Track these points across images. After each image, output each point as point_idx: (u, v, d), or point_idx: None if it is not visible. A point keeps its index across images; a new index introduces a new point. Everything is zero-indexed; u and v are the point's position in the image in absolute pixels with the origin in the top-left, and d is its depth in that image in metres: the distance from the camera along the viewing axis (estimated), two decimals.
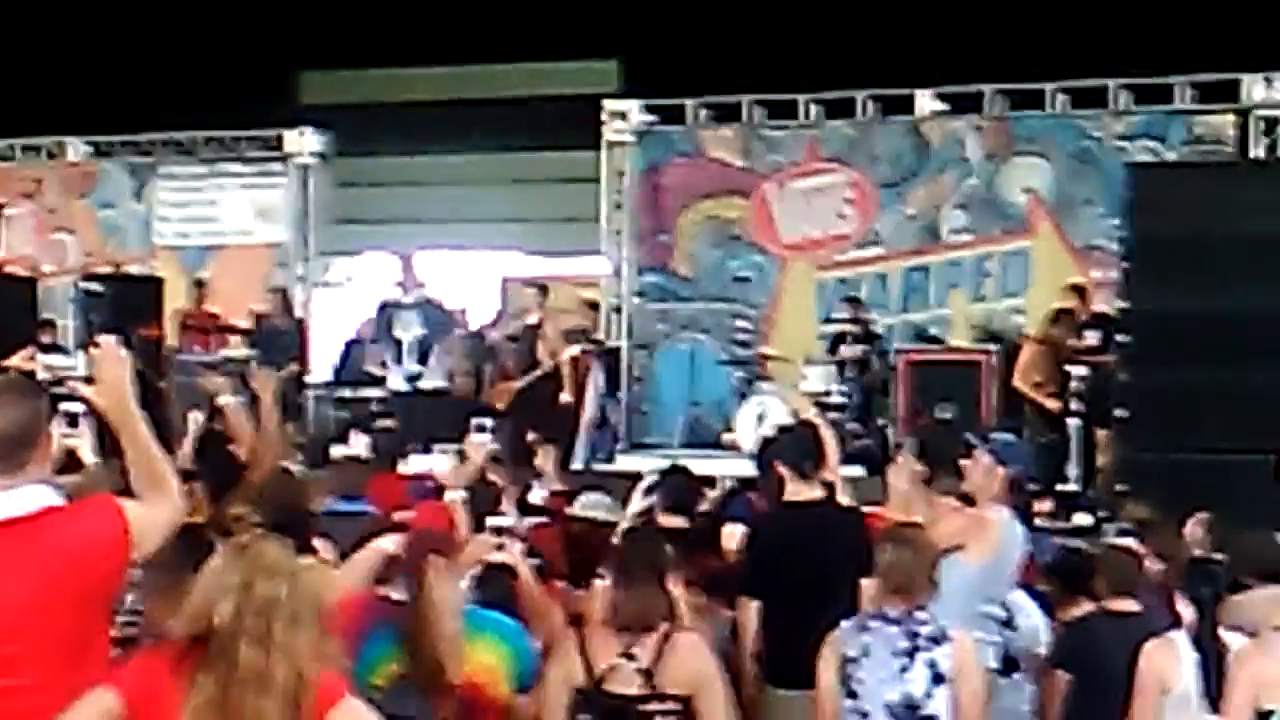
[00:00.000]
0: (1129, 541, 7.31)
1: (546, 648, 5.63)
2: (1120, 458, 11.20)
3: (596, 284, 17.23)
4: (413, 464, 11.55)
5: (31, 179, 19.42)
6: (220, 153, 18.58)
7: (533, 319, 14.14)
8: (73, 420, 5.43)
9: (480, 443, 6.95)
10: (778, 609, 6.75)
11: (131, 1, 17.05)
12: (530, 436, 13.36)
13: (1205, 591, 5.81)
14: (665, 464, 8.80)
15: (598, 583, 5.77)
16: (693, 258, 16.79)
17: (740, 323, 16.30)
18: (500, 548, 6.05)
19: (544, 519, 8.38)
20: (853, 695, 5.63)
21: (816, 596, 6.45)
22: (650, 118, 16.84)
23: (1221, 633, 5.69)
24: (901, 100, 15.96)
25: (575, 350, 14.37)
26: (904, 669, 5.60)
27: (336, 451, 11.08)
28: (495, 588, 5.89)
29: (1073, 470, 13.00)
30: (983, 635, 6.51)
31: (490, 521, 6.28)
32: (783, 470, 7.10)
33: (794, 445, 7.24)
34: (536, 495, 9.59)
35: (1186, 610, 5.93)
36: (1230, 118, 15.03)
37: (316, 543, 6.04)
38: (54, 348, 13.48)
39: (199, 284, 16.89)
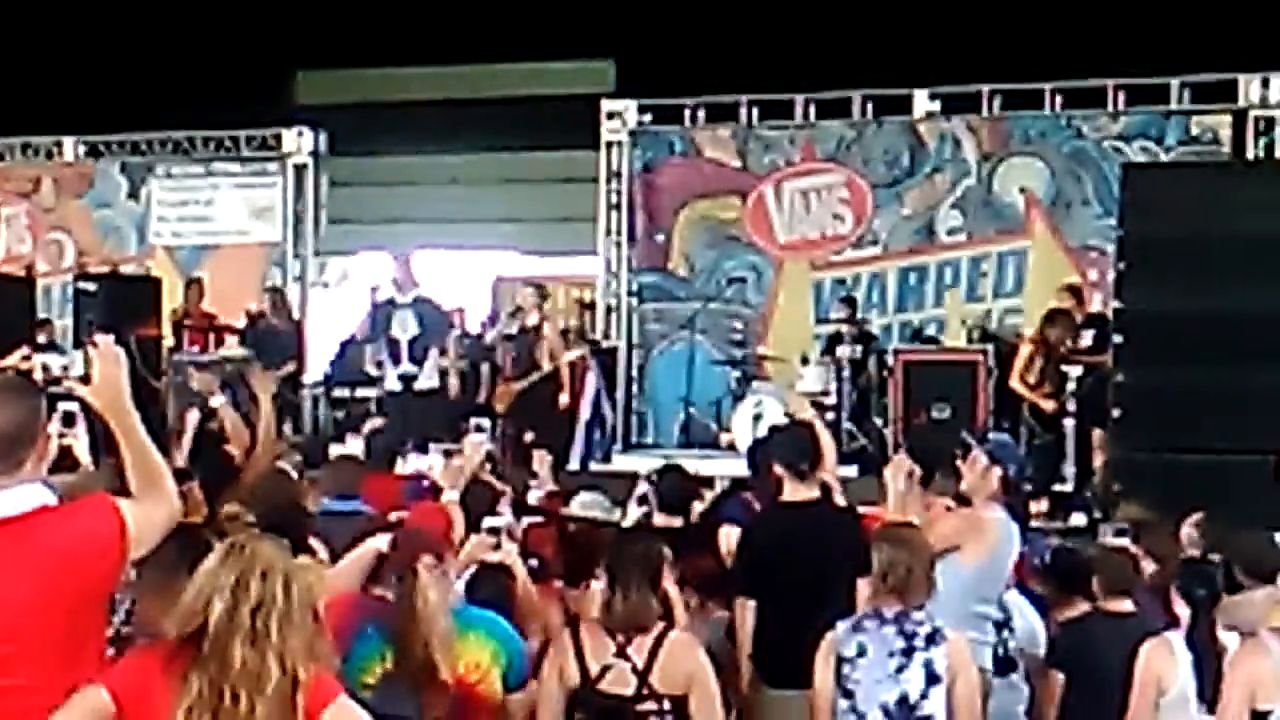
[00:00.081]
0: (1125, 542, 7.33)
1: (542, 648, 5.63)
2: (1116, 458, 11.17)
3: (592, 284, 17.24)
4: (409, 464, 11.53)
5: (27, 178, 19.45)
6: (216, 152, 18.63)
7: (532, 320, 14.11)
8: (69, 419, 5.41)
9: (478, 443, 6.95)
10: (774, 609, 6.73)
11: (128, 1, 17.01)
12: (528, 438, 13.37)
13: (1201, 592, 5.81)
14: (661, 464, 8.79)
15: (594, 583, 5.77)
16: (689, 258, 16.80)
17: (736, 323, 16.32)
18: (497, 548, 6.06)
19: (540, 519, 8.37)
20: (849, 695, 5.63)
21: (813, 596, 6.44)
22: (646, 118, 16.86)
23: (1219, 633, 5.69)
24: (897, 100, 15.98)
25: (575, 354, 14.35)
26: (900, 669, 5.59)
27: (332, 451, 11.06)
28: (491, 588, 5.90)
29: (1068, 470, 12.97)
30: (977, 636, 6.52)
31: (486, 522, 6.28)
32: (779, 470, 7.09)
33: (790, 445, 7.22)
34: (533, 497, 9.59)
35: (1182, 611, 5.93)
36: (1226, 118, 15.08)
37: (312, 542, 6.04)
38: (50, 347, 13.46)
39: (195, 283, 16.87)
